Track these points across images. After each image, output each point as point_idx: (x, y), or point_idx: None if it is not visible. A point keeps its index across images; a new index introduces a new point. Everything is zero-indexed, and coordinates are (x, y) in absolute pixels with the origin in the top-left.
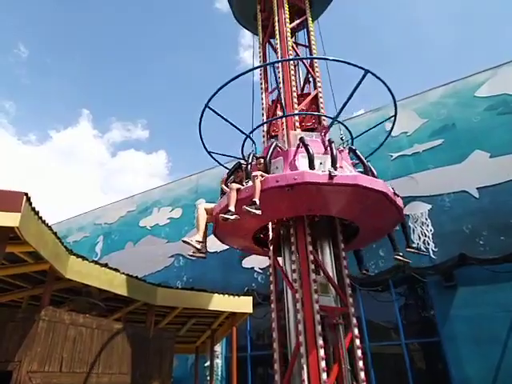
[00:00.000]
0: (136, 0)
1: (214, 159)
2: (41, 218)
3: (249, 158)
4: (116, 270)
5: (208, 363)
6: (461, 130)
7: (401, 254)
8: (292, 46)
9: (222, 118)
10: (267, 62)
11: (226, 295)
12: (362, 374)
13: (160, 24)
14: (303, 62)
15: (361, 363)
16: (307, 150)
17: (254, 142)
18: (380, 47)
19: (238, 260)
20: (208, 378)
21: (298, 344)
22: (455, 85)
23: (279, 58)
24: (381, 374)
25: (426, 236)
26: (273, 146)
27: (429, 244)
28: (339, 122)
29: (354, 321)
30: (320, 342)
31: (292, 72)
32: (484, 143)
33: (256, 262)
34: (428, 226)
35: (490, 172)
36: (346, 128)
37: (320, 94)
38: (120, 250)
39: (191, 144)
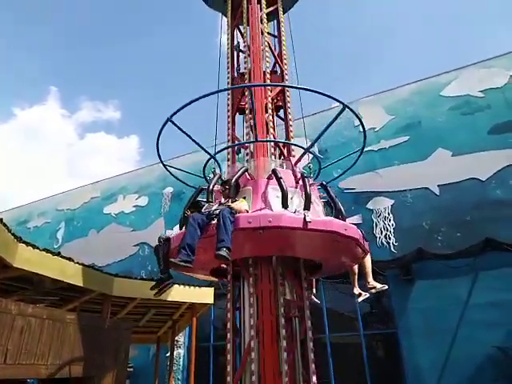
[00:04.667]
0: None
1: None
2: None
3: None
4: (69, 258)
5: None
6: (426, 127)
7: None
8: (262, 32)
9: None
10: (235, 45)
11: (187, 286)
12: (313, 366)
13: (138, 3)
14: (273, 54)
15: (312, 355)
16: (281, 186)
17: (219, 164)
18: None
19: None
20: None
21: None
22: (422, 83)
23: (247, 43)
24: (339, 363)
25: (387, 230)
26: (241, 171)
27: (390, 238)
28: (311, 153)
29: (308, 313)
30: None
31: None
32: (447, 142)
33: None
34: (390, 220)
35: (450, 170)
36: (317, 158)
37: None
38: (83, 237)
39: (165, 131)
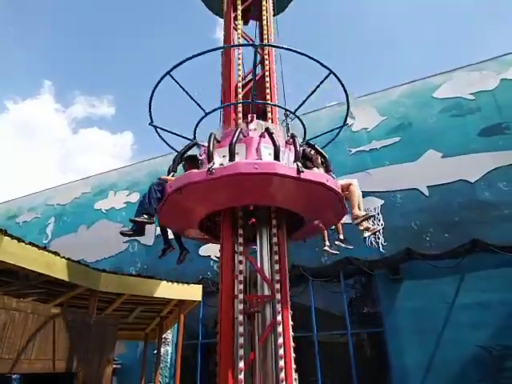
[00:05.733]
0: None
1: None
2: None
3: (210, 139)
4: (55, 253)
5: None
6: (417, 129)
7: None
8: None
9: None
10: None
11: (175, 283)
12: (281, 362)
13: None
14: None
15: (281, 351)
16: (208, 147)
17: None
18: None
19: (194, 248)
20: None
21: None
22: (415, 85)
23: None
24: (326, 361)
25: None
26: (238, 130)
27: (379, 238)
28: (294, 114)
29: (279, 308)
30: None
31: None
32: (437, 143)
33: (212, 250)
34: (379, 220)
35: (440, 171)
36: (300, 120)
37: (267, 76)
38: (73, 232)
39: (167, 122)
